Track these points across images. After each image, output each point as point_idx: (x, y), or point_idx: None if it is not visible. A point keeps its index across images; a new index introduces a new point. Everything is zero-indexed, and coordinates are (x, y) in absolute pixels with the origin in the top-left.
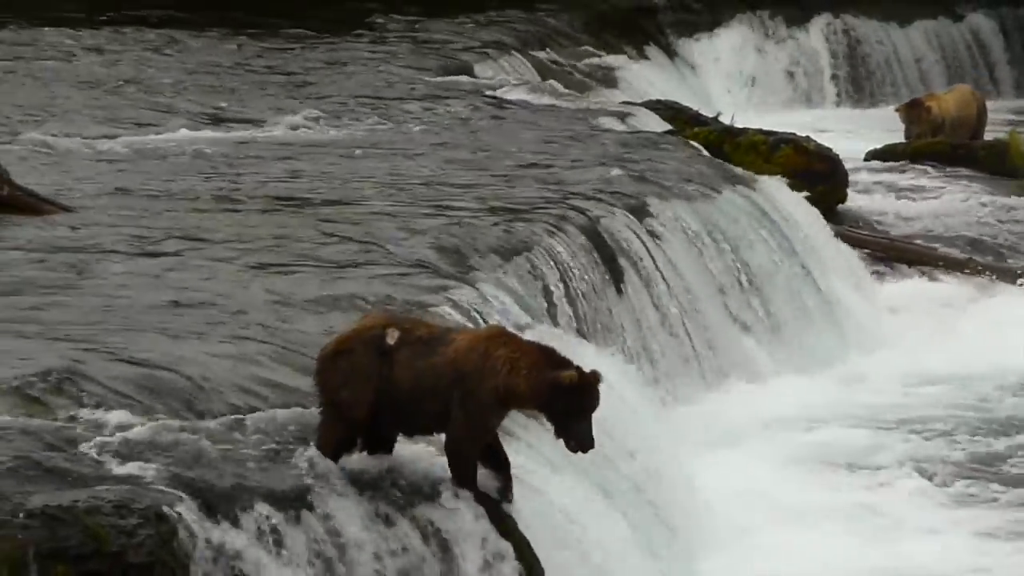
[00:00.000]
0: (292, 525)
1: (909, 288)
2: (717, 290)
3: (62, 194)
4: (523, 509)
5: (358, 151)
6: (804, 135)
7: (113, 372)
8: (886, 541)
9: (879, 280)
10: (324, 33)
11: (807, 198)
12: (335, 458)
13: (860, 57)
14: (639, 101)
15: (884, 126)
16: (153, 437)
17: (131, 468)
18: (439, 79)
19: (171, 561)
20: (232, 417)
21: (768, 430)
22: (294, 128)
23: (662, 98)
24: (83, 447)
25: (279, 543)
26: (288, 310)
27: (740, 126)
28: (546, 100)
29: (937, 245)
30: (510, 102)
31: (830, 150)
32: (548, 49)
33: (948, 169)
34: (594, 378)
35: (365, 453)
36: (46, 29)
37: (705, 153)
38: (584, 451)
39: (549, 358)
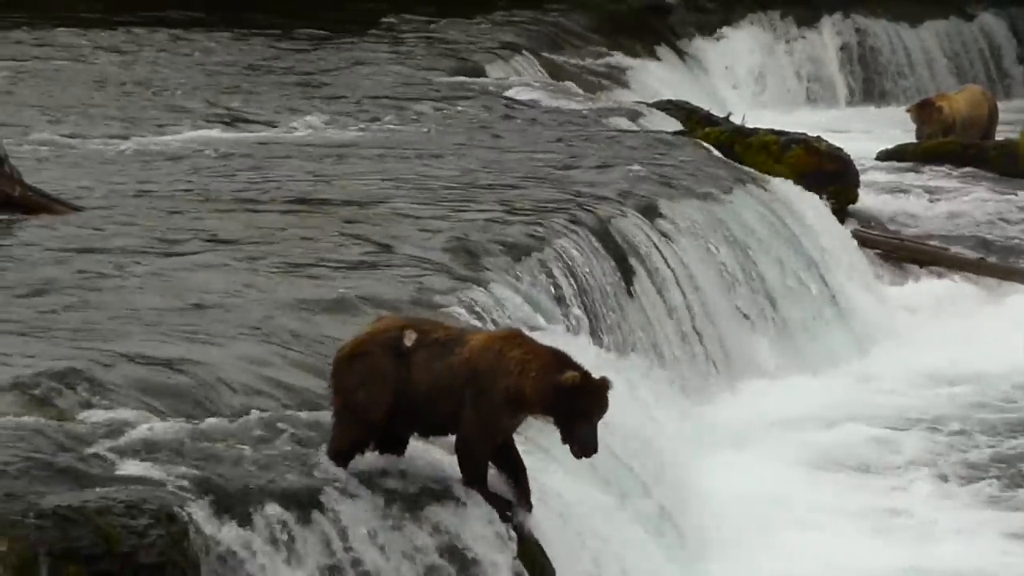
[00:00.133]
0: (303, 526)
1: (920, 288)
2: (728, 290)
3: (73, 194)
4: (534, 510)
5: (376, 152)
6: (815, 135)
7: (124, 372)
8: (901, 542)
9: (890, 280)
10: (337, 33)
11: (818, 198)
12: (346, 460)
13: (871, 57)
14: (650, 101)
15: (895, 126)
16: (164, 437)
17: (142, 468)
18: (451, 79)
19: (182, 562)
20: (244, 418)
21: (780, 430)
22: (306, 129)
23: (673, 98)
24: (94, 447)
25: (290, 544)
26: (299, 311)
27: (751, 126)
28: (557, 101)
29: (948, 245)
30: (521, 102)
31: (841, 150)
32: (559, 49)
33: (959, 169)
34: (601, 383)
35: (376, 453)
36: (59, 29)
37: (716, 153)
38: (587, 455)
39: (560, 362)
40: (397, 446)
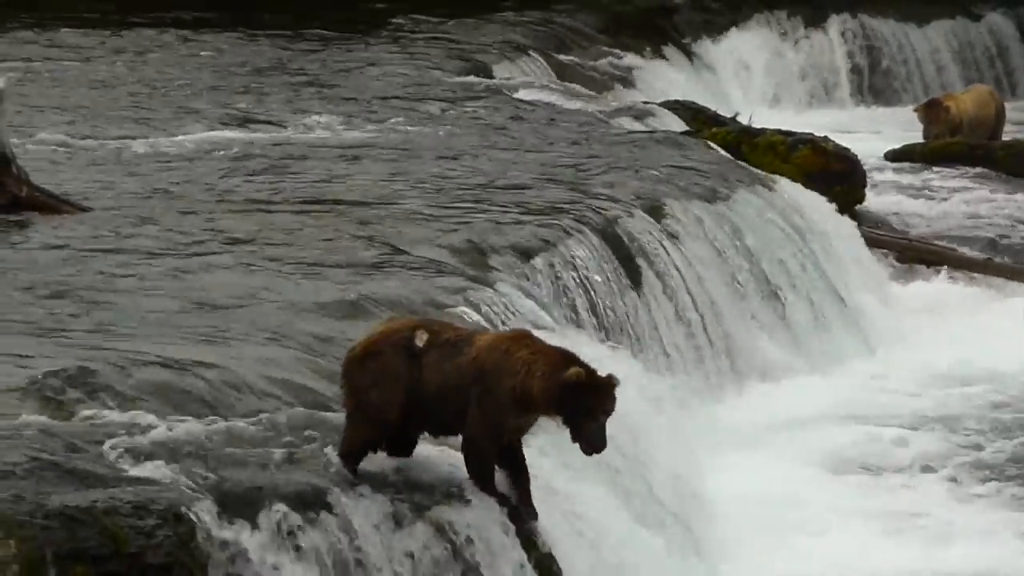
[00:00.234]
0: (310, 526)
1: (928, 289)
2: (735, 291)
3: (82, 195)
4: (542, 511)
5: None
6: (822, 135)
7: (131, 373)
8: (914, 543)
9: (898, 280)
10: (346, 34)
11: (825, 199)
12: (357, 460)
13: (878, 57)
14: (657, 101)
15: (902, 126)
16: (171, 438)
17: (149, 469)
18: (459, 80)
19: (189, 562)
20: (251, 418)
21: (789, 431)
22: (316, 129)
23: (680, 98)
24: (102, 448)
25: (297, 544)
26: (307, 311)
27: (758, 126)
28: (564, 101)
29: (956, 245)
30: (529, 103)
31: (848, 150)
32: (566, 50)
33: (966, 169)
34: (608, 380)
35: (384, 454)
36: (67, 30)
37: (723, 153)
38: (597, 451)
39: (567, 360)
40: (406, 446)
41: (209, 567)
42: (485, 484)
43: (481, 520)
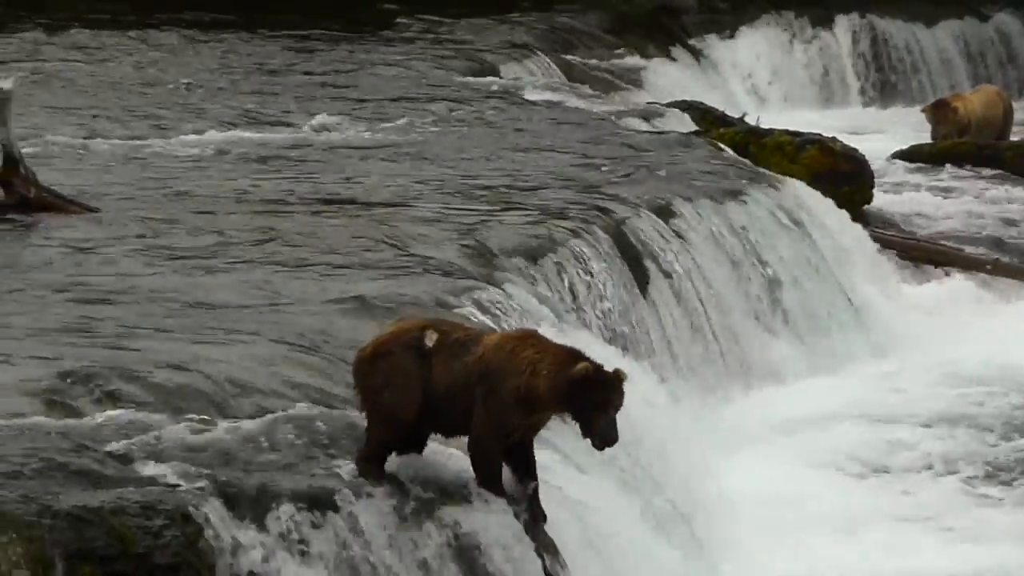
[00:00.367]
0: (317, 526)
1: (936, 289)
2: (743, 291)
3: (92, 195)
4: (549, 510)
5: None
6: (830, 136)
7: (139, 373)
8: (923, 544)
9: (907, 281)
10: (356, 35)
11: (833, 199)
12: (380, 462)
13: (886, 57)
14: (665, 102)
15: (910, 126)
16: (179, 438)
17: (157, 469)
18: (466, 80)
19: (197, 562)
20: (259, 418)
21: (797, 431)
22: (325, 130)
23: (688, 99)
24: (109, 448)
25: (304, 544)
26: (315, 311)
27: (766, 127)
28: (572, 101)
29: (964, 246)
30: (536, 103)
31: (856, 151)
32: (573, 50)
33: (974, 169)
34: (615, 375)
35: (394, 454)
36: (76, 31)
37: (731, 154)
38: (609, 445)
39: (573, 357)
40: (416, 446)
41: (217, 567)
42: (492, 484)
43: (490, 520)
